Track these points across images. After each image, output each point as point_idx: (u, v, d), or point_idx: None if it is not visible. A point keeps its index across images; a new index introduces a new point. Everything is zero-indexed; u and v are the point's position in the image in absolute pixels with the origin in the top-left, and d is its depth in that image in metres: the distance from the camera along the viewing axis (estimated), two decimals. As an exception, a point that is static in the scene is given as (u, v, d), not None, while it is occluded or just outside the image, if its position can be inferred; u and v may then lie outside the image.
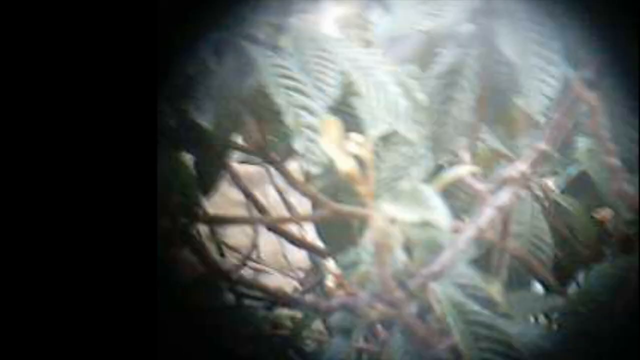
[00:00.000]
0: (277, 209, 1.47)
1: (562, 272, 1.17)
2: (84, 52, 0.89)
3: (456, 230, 0.86)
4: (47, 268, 0.87)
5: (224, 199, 1.23)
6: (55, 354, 0.86)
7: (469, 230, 0.87)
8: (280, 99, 1.00)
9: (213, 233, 1.49)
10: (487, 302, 0.83)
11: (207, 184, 1.11)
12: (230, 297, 1.14)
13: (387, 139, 1.13)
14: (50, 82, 0.88)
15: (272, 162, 1.12)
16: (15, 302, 0.86)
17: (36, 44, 0.88)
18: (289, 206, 1.45)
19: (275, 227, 1.30)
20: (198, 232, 1.25)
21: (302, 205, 1.29)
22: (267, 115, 1.06)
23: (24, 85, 0.88)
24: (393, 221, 0.78)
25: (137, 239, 0.88)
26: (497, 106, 1.10)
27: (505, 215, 1.01)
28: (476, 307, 0.82)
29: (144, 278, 0.89)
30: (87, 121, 0.89)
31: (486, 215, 0.91)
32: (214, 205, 1.15)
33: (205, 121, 1.04)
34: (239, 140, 1.12)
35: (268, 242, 1.65)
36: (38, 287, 0.86)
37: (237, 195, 1.41)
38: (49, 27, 0.88)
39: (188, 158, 1.11)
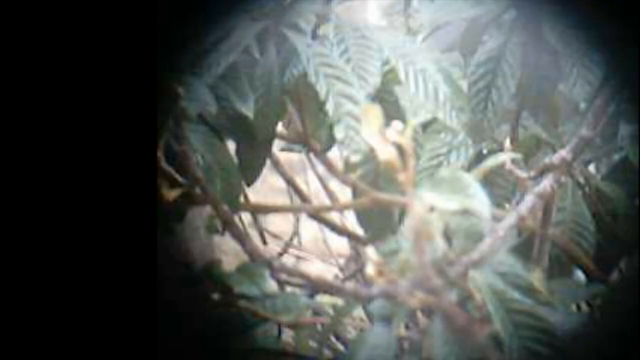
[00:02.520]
0: (318, 196, 1.48)
1: (604, 260, 1.17)
2: (85, 46, 0.89)
3: (496, 218, 0.86)
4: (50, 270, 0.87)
5: (265, 186, 1.25)
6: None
7: (510, 217, 0.89)
8: (321, 87, 1.01)
9: (255, 220, 1.50)
10: (528, 290, 0.83)
11: (249, 172, 1.12)
12: (272, 285, 1.15)
13: (427, 127, 1.15)
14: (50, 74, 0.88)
15: (313, 150, 1.14)
16: (21, 304, 0.86)
17: (45, 47, 0.88)
18: (330, 194, 1.46)
19: (316, 215, 1.30)
20: (240, 219, 1.27)
21: (343, 192, 1.30)
22: (309, 103, 1.07)
23: (31, 91, 0.88)
24: (433, 209, 0.78)
25: (135, 228, 0.88)
26: (538, 93, 1.11)
27: (547, 203, 1.02)
28: (517, 295, 0.83)
29: (141, 269, 0.88)
30: (84, 120, 0.89)
31: (527, 202, 0.92)
32: (255, 192, 1.17)
33: (247, 110, 1.07)
34: (281, 128, 1.14)
35: (309, 229, 1.67)
36: (43, 287, 0.87)
37: (278, 182, 1.43)
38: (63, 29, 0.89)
39: (231, 146, 1.12)
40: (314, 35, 1.07)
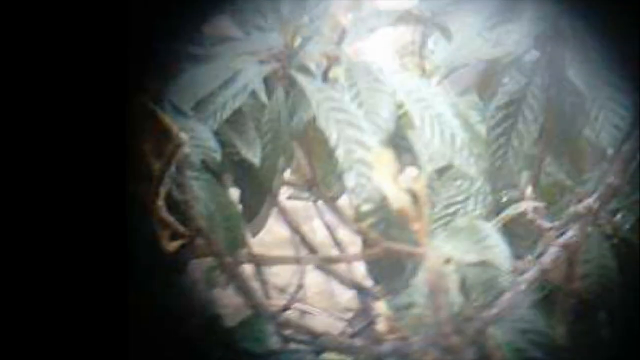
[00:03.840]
0: (325, 246, 1.48)
1: (632, 317, 1.16)
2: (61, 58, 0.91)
3: (517, 271, 0.88)
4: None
5: (270, 236, 1.25)
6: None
7: (532, 270, 0.90)
8: (332, 133, 1.02)
9: (259, 272, 1.51)
10: (551, 349, 0.83)
11: (254, 222, 1.14)
12: (276, 341, 1.15)
13: (443, 173, 1.15)
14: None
15: (321, 198, 1.15)
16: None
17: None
18: (337, 244, 1.46)
19: (323, 266, 1.31)
20: (243, 271, 1.28)
21: (352, 242, 1.30)
22: (318, 149, 1.09)
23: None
24: (449, 261, 0.79)
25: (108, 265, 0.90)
26: (563, 137, 1.13)
27: (571, 255, 1.02)
28: (539, 354, 0.83)
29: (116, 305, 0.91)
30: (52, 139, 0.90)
31: (550, 254, 0.93)
32: (259, 242, 1.19)
33: (254, 156, 1.08)
34: (288, 175, 1.16)
35: (315, 281, 1.67)
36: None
37: (283, 231, 1.43)
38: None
39: (235, 194, 1.14)
40: (324, 79, 1.08)
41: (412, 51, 1.24)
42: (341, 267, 1.40)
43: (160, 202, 1.02)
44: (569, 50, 1.08)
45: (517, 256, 0.96)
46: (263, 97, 1.08)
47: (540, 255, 0.93)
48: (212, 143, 1.05)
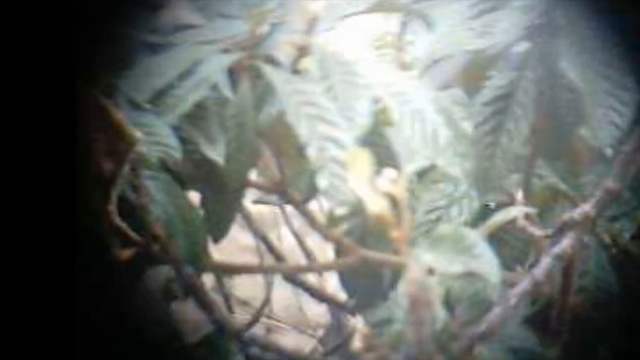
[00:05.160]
0: (293, 255, 1.48)
1: (632, 332, 1.17)
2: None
3: (507, 283, 0.86)
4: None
5: (233, 243, 1.24)
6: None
7: (523, 283, 0.88)
8: (302, 129, 1.01)
9: (221, 284, 1.50)
10: None
11: (216, 227, 1.12)
12: (240, 360, 1.15)
13: (425, 175, 1.15)
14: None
15: (291, 202, 1.14)
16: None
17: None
18: (307, 253, 1.46)
19: (291, 277, 1.30)
20: (204, 282, 1.27)
21: (324, 251, 1.30)
22: (287, 147, 1.07)
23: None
24: (431, 271, 0.78)
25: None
26: (556, 137, 1.12)
27: (566, 266, 1.02)
28: None
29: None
30: None
31: (543, 265, 0.92)
32: (221, 251, 1.16)
33: (217, 155, 1.07)
34: (254, 176, 1.14)
35: (283, 294, 1.66)
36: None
37: (248, 239, 1.43)
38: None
39: (195, 197, 1.12)
40: (294, 70, 1.07)
41: (389, 41, 1.24)
42: (312, 279, 1.40)
43: (112, 207, 1.00)
44: (563, 40, 1.07)
45: (507, 267, 0.96)
46: (226, 89, 1.06)
47: (532, 266, 0.92)
48: (171, 140, 1.04)
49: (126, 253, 1.04)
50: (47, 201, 0.92)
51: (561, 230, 0.96)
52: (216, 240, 1.13)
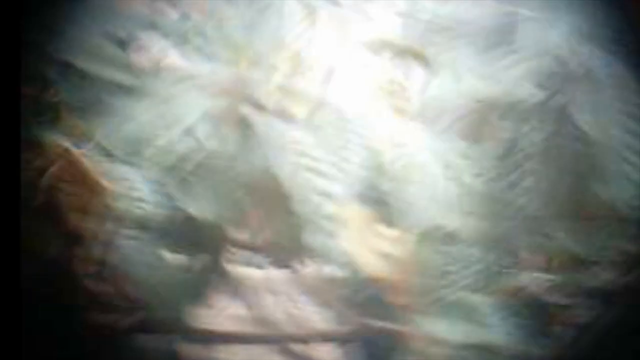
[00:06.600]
0: (284, 323, 1.46)
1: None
2: None
3: (522, 356, 0.85)
4: None
5: (217, 309, 1.20)
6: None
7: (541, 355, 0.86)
8: (294, 183, 1.00)
9: (206, 354, 1.48)
10: None
11: (198, 293, 1.11)
12: None
13: (430, 235, 1.08)
14: None
15: (279, 263, 1.11)
16: None
17: None
18: (300, 320, 1.44)
19: (283, 348, 1.27)
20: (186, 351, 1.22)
21: (319, 319, 1.27)
22: (277, 204, 1.04)
23: None
24: (438, 342, 0.77)
25: None
26: (570, 195, 1.08)
27: (589, 337, 0.97)
28: None
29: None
30: None
31: (561, 335, 0.91)
32: (204, 316, 1.15)
33: (199, 212, 1.04)
34: (242, 236, 1.11)
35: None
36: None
37: (233, 304, 1.40)
38: None
39: (176, 260, 1.10)
40: (284, 118, 1.05)
41: (390, 88, 1.21)
42: (305, 350, 1.37)
43: (90, 270, 1.02)
44: (578, 90, 1.06)
45: (522, 339, 0.92)
46: (210, 139, 1.05)
47: (549, 336, 0.89)
48: (149, 196, 1.04)
49: (105, 319, 1.04)
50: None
51: (580, 298, 0.96)
52: (199, 306, 1.11)
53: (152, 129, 1.04)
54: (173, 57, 1.09)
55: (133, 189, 1.03)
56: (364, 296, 1.05)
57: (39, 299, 0.98)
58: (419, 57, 1.12)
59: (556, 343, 0.89)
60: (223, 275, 1.14)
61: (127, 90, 1.05)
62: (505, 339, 0.78)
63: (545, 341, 0.90)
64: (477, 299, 0.80)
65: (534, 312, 1.06)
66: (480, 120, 1.10)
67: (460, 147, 1.09)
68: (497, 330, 0.78)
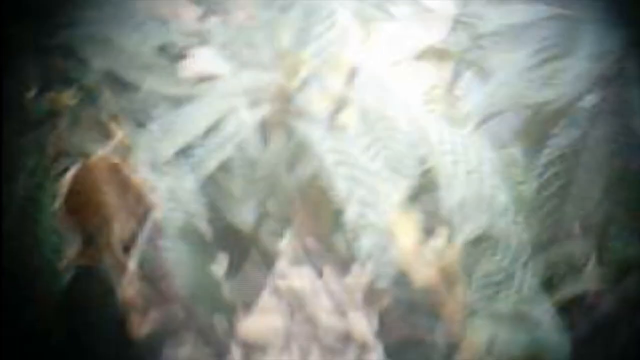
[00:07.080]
0: (330, 332, 1.46)
1: None
2: None
3: None
4: None
5: (264, 319, 1.18)
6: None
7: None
8: (339, 191, 1.00)
9: None
10: None
11: (244, 302, 1.09)
12: None
13: (480, 243, 1.07)
14: None
15: (328, 273, 1.08)
16: None
17: None
18: (346, 329, 1.43)
19: (328, 356, 1.26)
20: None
21: (365, 327, 1.26)
22: (322, 212, 1.04)
23: None
24: (489, 353, 0.78)
25: None
26: (629, 202, 1.06)
27: None
28: None
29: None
30: None
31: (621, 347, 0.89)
32: (250, 326, 1.13)
33: (243, 221, 1.05)
34: (285, 244, 1.09)
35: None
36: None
37: (280, 313, 1.40)
38: None
39: (219, 270, 1.09)
40: (331, 125, 1.05)
41: (439, 94, 1.19)
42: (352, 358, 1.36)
43: (130, 278, 1.01)
44: (635, 94, 1.05)
45: (576, 349, 0.90)
46: (256, 147, 1.05)
47: (609, 346, 0.87)
48: (193, 205, 1.03)
49: (144, 329, 1.03)
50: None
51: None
52: (244, 316, 1.10)
53: (195, 138, 1.04)
54: (220, 68, 1.10)
55: (175, 199, 1.03)
56: (410, 305, 1.05)
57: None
58: (467, 62, 1.12)
59: (611, 352, 0.86)
60: (267, 284, 1.13)
61: (171, 100, 1.06)
62: (558, 350, 0.75)
63: (600, 351, 0.88)
64: (528, 308, 0.77)
65: (590, 323, 1.04)
66: (531, 126, 1.09)
67: (509, 152, 1.08)
68: (549, 341, 0.75)
